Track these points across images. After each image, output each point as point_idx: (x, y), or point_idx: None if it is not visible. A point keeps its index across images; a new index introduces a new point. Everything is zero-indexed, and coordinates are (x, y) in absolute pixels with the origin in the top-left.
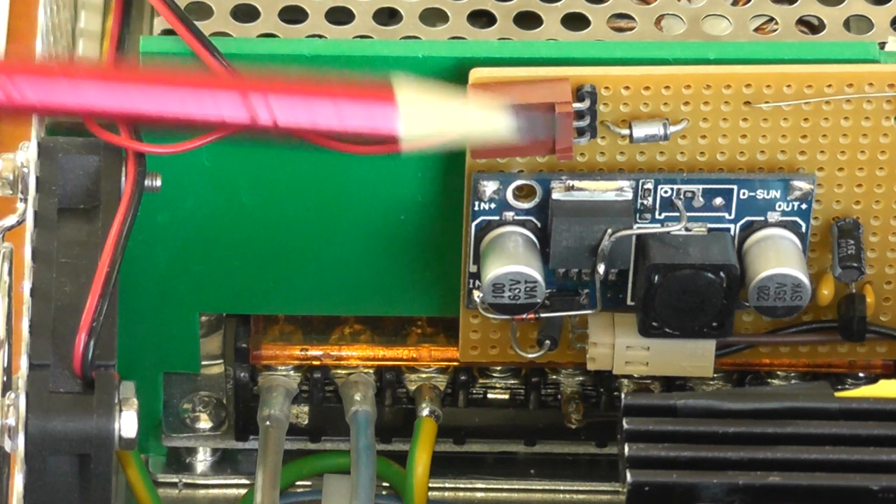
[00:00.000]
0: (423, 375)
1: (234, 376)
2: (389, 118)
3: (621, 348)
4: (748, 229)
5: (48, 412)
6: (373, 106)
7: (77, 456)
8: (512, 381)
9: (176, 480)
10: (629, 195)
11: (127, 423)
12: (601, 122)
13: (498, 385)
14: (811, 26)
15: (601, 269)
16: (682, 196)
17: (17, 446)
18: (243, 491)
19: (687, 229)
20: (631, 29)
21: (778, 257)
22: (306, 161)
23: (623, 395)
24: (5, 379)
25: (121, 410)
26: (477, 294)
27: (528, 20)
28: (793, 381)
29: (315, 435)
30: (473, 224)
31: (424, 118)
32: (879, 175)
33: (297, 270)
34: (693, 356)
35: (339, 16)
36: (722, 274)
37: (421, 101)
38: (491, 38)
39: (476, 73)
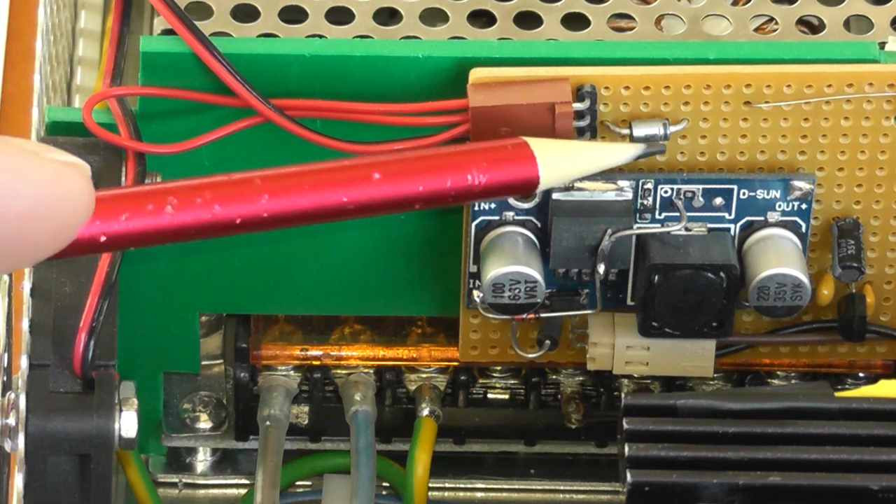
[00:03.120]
0: (423, 375)
1: (234, 376)
2: (531, 168)
3: (621, 348)
4: (748, 229)
5: (48, 412)
6: (512, 160)
7: (77, 456)
8: (512, 381)
9: (176, 480)
10: (629, 195)
11: (127, 423)
12: (601, 122)
13: (498, 385)
14: (811, 26)
15: (601, 269)
16: (682, 196)
17: (18, 446)
18: (243, 491)
19: (687, 229)
20: (631, 29)
21: (778, 257)
22: (307, 161)
23: (623, 395)
24: (5, 379)
25: (121, 410)
26: (477, 294)
27: (528, 20)
28: (793, 381)
29: (315, 435)
30: (473, 224)
31: (561, 161)
32: (879, 175)
33: (297, 270)
34: (693, 356)
35: (339, 16)
36: (722, 274)
37: (553, 147)
38: (491, 38)
39: (476, 73)
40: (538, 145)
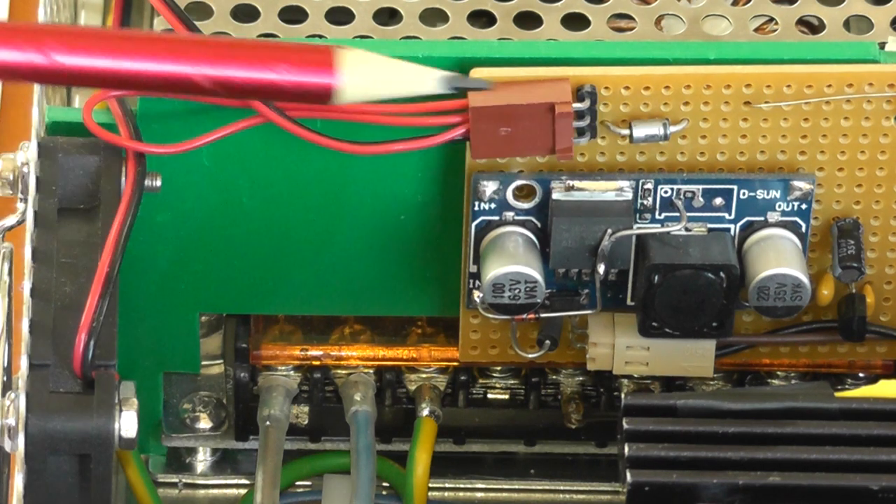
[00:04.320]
0: (423, 375)
1: (234, 376)
2: (329, 74)
3: (621, 348)
4: (748, 229)
5: (48, 412)
6: (312, 62)
7: (77, 456)
8: (512, 381)
9: (176, 480)
10: (629, 195)
11: (127, 423)
12: (601, 122)
13: (498, 385)
14: (811, 26)
15: (601, 269)
16: (682, 196)
17: (17, 446)
18: (243, 491)
19: (687, 229)
20: (631, 29)
21: (778, 257)
22: (306, 161)
23: (623, 395)
24: (5, 379)
25: (121, 410)
26: (477, 294)
27: (528, 20)
28: (793, 381)
29: (315, 435)
30: (473, 224)
31: (366, 76)
32: (879, 175)
33: (297, 270)
34: (693, 356)
35: (339, 16)
36: (722, 274)
37: (363, 59)
38: (491, 38)
39: (476, 74)
40: (347, 57)
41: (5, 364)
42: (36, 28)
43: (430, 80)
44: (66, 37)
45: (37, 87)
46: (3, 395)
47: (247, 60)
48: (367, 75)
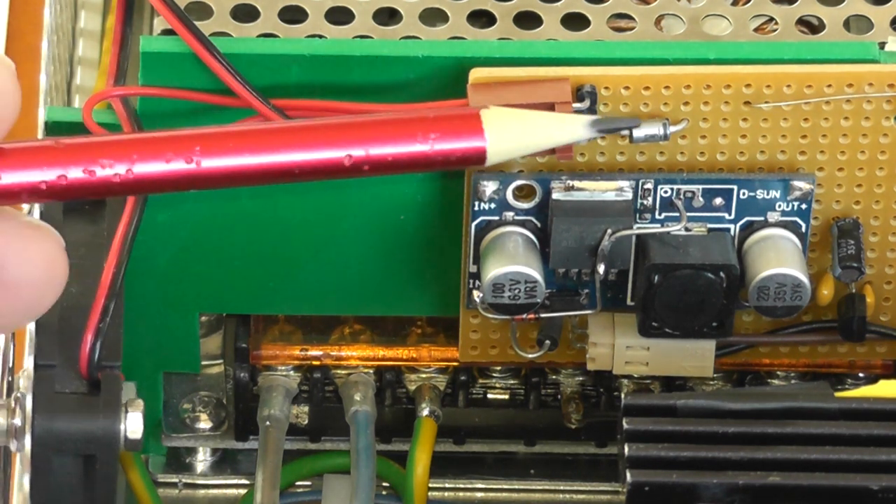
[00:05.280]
0: (423, 375)
1: (234, 376)
2: (477, 138)
3: (621, 348)
4: (748, 229)
5: (54, 413)
6: (460, 128)
7: (82, 456)
8: (512, 381)
9: (176, 480)
10: (629, 195)
11: (132, 424)
12: None
13: (498, 385)
14: (811, 26)
15: (601, 269)
16: (682, 196)
17: (23, 447)
18: (243, 491)
19: (687, 229)
20: (631, 29)
21: (778, 257)
22: None
23: (623, 395)
24: (10, 379)
25: (126, 411)
26: (477, 294)
27: (528, 20)
28: (793, 381)
29: (315, 435)
30: (473, 224)
31: (511, 133)
32: (879, 175)
33: (297, 270)
34: (693, 356)
35: (339, 16)
36: (722, 274)
37: (506, 117)
38: (491, 38)
39: (476, 73)
40: (490, 116)
41: (11, 364)
42: (181, 135)
43: (578, 127)
44: (213, 139)
45: (43, 87)
46: (9, 396)
47: (395, 136)
48: (510, 133)
